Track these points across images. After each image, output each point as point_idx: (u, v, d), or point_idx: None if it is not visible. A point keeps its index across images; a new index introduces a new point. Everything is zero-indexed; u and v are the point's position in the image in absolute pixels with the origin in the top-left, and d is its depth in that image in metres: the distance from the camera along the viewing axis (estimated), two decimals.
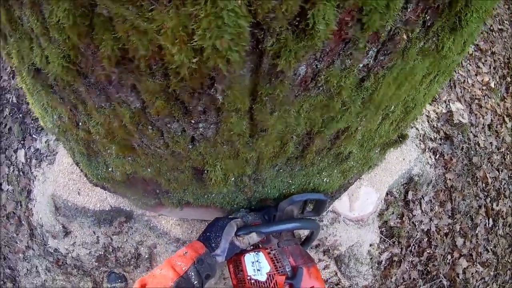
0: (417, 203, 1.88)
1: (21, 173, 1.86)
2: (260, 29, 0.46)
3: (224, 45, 0.44)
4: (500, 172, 2.04)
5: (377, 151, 1.11)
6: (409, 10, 0.48)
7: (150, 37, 0.49)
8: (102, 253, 1.68)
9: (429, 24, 0.54)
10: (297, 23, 0.43)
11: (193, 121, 0.67)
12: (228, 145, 0.75)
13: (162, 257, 1.60)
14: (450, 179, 1.94)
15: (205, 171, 0.95)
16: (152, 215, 1.50)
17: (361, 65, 0.54)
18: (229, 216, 1.10)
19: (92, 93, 0.70)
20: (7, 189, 1.87)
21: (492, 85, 2.21)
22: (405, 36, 0.50)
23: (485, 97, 2.12)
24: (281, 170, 1.04)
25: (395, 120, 0.87)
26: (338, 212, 1.60)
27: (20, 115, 1.91)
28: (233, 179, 0.98)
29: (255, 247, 1.08)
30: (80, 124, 0.87)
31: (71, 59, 0.61)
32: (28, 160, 1.86)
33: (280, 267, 0.99)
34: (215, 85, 0.54)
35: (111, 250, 1.67)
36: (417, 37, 0.54)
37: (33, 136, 1.87)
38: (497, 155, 2.06)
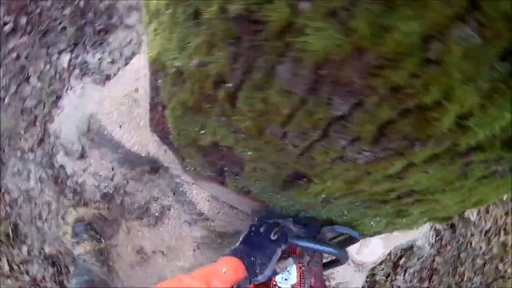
0: (403, 269, 1.99)
1: (57, 75, 1.75)
2: None
3: None
4: (476, 275, 2.20)
5: (426, 220, 1.17)
6: None
7: None
8: (111, 191, 1.61)
9: None
10: None
11: (365, 149, 0.69)
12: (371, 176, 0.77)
13: (172, 222, 1.57)
14: (437, 262, 2.07)
15: (305, 179, 0.95)
16: (187, 181, 1.47)
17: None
18: (271, 238, 1.04)
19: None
20: (35, 85, 1.75)
21: (504, 198, 2.39)
22: None
23: (494, 205, 2.28)
24: (351, 202, 1.07)
25: (468, 203, 0.93)
26: (347, 250, 1.65)
27: (82, 21, 1.79)
28: (323, 196, 0.99)
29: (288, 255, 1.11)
30: (227, 85, 0.83)
31: None
32: (71, 67, 1.75)
33: (302, 284, 1.03)
34: None
35: (121, 192, 1.61)
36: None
37: (87, 47, 1.76)
38: (480, 260, 2.23)
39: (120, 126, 1.51)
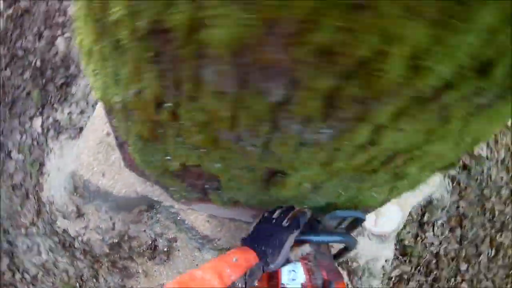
0: (430, 225, 1.92)
1: (35, 143, 1.75)
2: None
3: None
4: (507, 206, 2.12)
5: (427, 174, 1.11)
6: None
7: None
8: (117, 240, 1.60)
9: None
10: None
11: (321, 126, 0.65)
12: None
13: (182, 252, 1.55)
14: (462, 207, 2.00)
15: (279, 174, 0.92)
16: (181, 208, 1.45)
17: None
18: (283, 225, 1.01)
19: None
20: (17, 158, 1.76)
21: (509, 123, 2.29)
22: None
23: (501, 133, 2.19)
24: (340, 182, 1.03)
25: (462, 147, 0.87)
26: (363, 226, 1.60)
27: (43, 81, 1.79)
28: (305, 185, 0.96)
29: None
30: (167, 104, 0.80)
31: None
32: (45, 130, 1.75)
33: (313, 280, 0.98)
34: None
35: (126, 238, 1.60)
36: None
37: (54, 105, 1.76)
38: (505, 190, 2.14)
39: (103, 175, 1.51)
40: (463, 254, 1.98)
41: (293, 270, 1.04)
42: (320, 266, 1.04)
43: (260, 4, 0.44)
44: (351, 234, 1.30)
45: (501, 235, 2.09)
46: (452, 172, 1.97)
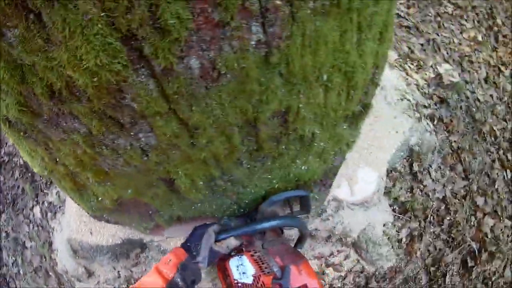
0: (425, 172, 1.83)
1: (40, 228, 1.97)
2: (135, 39, 0.50)
3: (104, 60, 0.49)
4: (508, 122, 1.95)
5: (345, 127, 1.10)
6: None
7: (57, 70, 0.55)
8: (125, 286, 1.73)
9: None
10: (157, 25, 0.47)
11: (132, 133, 0.72)
12: (175, 148, 0.78)
13: None
14: (455, 141, 1.88)
15: (173, 180, 0.98)
16: (160, 239, 1.54)
17: (253, 43, 0.57)
18: (207, 223, 1.10)
19: (50, 128, 0.77)
20: (30, 246, 1.98)
21: (480, 38, 2.14)
22: (278, 2, 0.52)
23: (475, 51, 2.05)
24: (251, 166, 1.04)
25: (341, 89, 0.87)
26: (339, 199, 1.58)
27: (29, 174, 2.03)
28: (201, 182, 1.00)
29: (239, 251, 1.09)
30: (58, 160, 0.93)
31: (22, 103, 0.68)
32: (44, 214, 1.96)
33: (266, 268, 0.99)
34: (124, 95, 0.58)
35: (133, 281, 1.72)
36: None
37: (44, 191, 1.98)
38: (500, 106, 1.98)
39: (91, 233, 1.65)
40: (475, 188, 1.85)
41: (241, 265, 1.07)
42: (271, 254, 1.05)
43: None
44: (298, 216, 1.28)
45: None
46: (427, 111, 1.87)
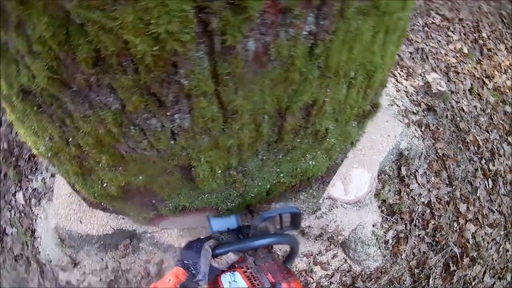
0: (412, 177, 1.91)
1: (22, 214, 1.89)
2: (205, 12, 0.50)
3: (175, 28, 0.49)
4: (490, 133, 2.07)
5: (354, 124, 1.14)
6: None
7: (116, 33, 0.53)
8: (113, 277, 1.69)
9: None
10: (233, 1, 0.48)
11: (168, 113, 0.71)
12: (206, 134, 0.78)
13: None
14: (440, 148, 1.97)
15: (192, 168, 0.98)
16: (155, 231, 1.53)
17: (305, 33, 0.59)
18: (201, 238, 1.11)
19: (76, 102, 0.73)
20: (11, 232, 1.90)
21: (466, 50, 2.26)
22: None
23: (461, 63, 2.16)
24: (265, 158, 1.07)
25: (361, 87, 0.91)
26: (334, 197, 1.62)
27: (13, 159, 1.95)
28: (219, 171, 1.01)
29: (231, 267, 1.09)
30: (70, 140, 0.90)
31: (54, 69, 0.64)
32: (28, 200, 1.89)
33: (258, 285, 0.98)
34: (178, 70, 0.58)
35: (120, 273, 1.68)
36: None
37: (29, 177, 1.91)
38: (483, 117, 2.10)
39: (81, 221, 1.61)
40: (458, 195, 1.95)
41: (233, 281, 1.06)
42: (263, 271, 1.06)
43: None
44: (289, 233, 1.30)
45: (493, 164, 2.04)
46: (415, 117, 1.95)
